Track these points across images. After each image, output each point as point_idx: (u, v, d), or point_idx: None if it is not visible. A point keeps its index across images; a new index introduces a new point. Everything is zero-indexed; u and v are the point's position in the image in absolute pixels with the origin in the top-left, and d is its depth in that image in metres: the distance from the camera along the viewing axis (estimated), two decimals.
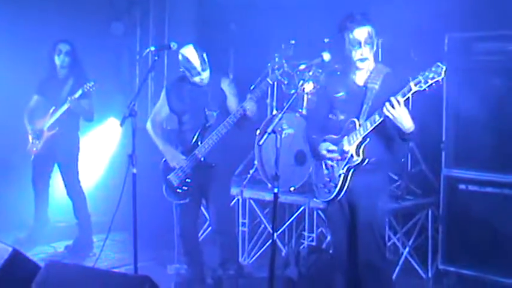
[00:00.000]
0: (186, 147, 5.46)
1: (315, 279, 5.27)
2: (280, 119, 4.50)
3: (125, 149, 7.11)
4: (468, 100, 5.61)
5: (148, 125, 5.65)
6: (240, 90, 5.60)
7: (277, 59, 6.89)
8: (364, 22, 4.35)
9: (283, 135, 6.23)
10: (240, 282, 5.60)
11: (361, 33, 4.33)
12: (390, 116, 4.11)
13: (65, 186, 6.94)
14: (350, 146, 4.35)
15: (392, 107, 4.07)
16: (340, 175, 4.40)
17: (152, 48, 5.13)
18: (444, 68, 3.96)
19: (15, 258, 3.93)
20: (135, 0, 9.02)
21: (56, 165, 6.95)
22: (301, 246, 6.10)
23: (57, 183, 7.12)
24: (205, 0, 8.47)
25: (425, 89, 4.00)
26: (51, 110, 6.71)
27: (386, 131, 4.35)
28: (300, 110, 6.66)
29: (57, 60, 6.75)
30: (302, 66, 5.85)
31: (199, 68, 5.31)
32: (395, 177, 6.32)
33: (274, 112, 7.04)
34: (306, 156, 6.27)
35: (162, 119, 5.69)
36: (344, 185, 4.40)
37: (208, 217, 6.33)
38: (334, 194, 4.44)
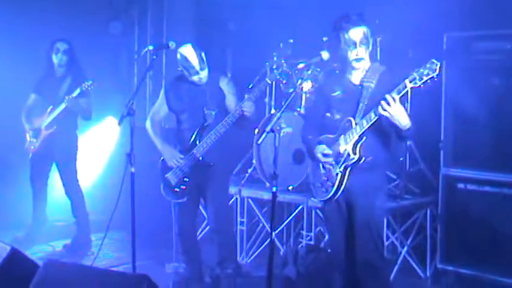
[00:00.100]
0: (185, 146, 5.45)
1: (313, 278, 5.26)
2: (278, 118, 4.49)
3: (123, 148, 7.12)
4: (467, 99, 5.62)
5: (148, 124, 5.65)
6: (238, 89, 5.59)
7: (275, 58, 6.88)
8: (359, 22, 4.37)
9: (281, 134, 6.24)
10: (238, 281, 5.59)
11: (356, 33, 4.35)
12: (386, 114, 4.11)
13: (63, 185, 6.95)
14: (346, 144, 4.36)
15: (388, 104, 4.08)
16: (337, 174, 4.41)
17: (150, 48, 5.14)
18: (439, 64, 3.96)
19: (13, 257, 3.92)
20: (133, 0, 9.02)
21: (54, 164, 6.95)
22: (300, 245, 6.10)
23: (55, 182, 7.12)
24: None
25: (420, 86, 4.01)
26: (48, 109, 6.71)
27: (383, 129, 4.36)
28: (299, 109, 6.66)
29: (55, 59, 6.75)
30: (301, 65, 5.83)
31: (197, 67, 5.30)
32: (394, 176, 6.31)
33: (273, 111, 7.03)
34: (304, 155, 6.26)
35: (160, 118, 5.69)
36: (341, 184, 4.41)
37: (206, 216, 6.33)
38: (332, 193, 4.44)
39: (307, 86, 6.64)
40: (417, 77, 4.00)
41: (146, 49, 5.26)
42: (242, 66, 7.69)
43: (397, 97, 4.07)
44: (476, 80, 5.61)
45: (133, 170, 4.67)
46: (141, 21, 8.99)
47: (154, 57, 5.03)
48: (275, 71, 5.40)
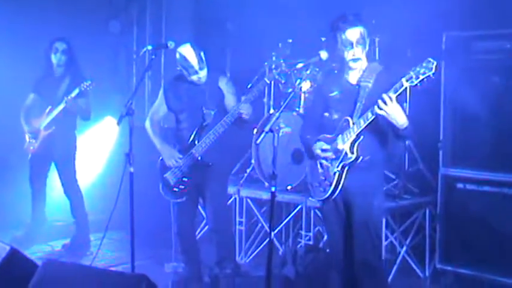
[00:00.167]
0: (183, 146, 5.45)
1: (312, 278, 5.26)
2: (277, 118, 4.49)
3: (122, 147, 7.07)
4: (466, 99, 5.62)
5: (147, 124, 5.65)
6: (237, 89, 5.59)
7: (274, 58, 6.88)
8: (356, 23, 4.38)
9: (280, 134, 6.23)
10: (237, 281, 5.59)
11: (353, 33, 4.36)
12: (383, 113, 4.12)
13: (62, 185, 6.95)
14: (344, 144, 4.36)
15: (385, 103, 4.08)
16: (335, 173, 4.41)
17: (149, 47, 5.15)
18: (435, 63, 3.97)
19: (12, 256, 3.92)
20: None
21: (53, 164, 6.95)
22: (298, 245, 6.11)
23: (54, 182, 7.12)
24: None
25: (416, 85, 4.02)
26: (47, 109, 6.70)
27: (381, 129, 4.37)
28: (297, 109, 6.66)
29: (54, 59, 6.74)
30: (299, 65, 5.83)
31: (196, 67, 5.30)
32: (393, 176, 6.31)
33: (272, 111, 7.03)
34: (303, 155, 6.26)
35: (160, 117, 5.69)
36: (339, 184, 4.41)
37: (205, 216, 6.33)
38: (329, 192, 4.44)
39: (306, 85, 6.63)
40: (414, 76, 4.01)
41: (145, 49, 5.27)
42: (241, 66, 7.68)
43: (393, 96, 4.07)
44: (475, 79, 5.61)
45: (132, 169, 4.67)
46: (140, 20, 8.99)
47: (153, 57, 5.03)
48: (274, 70, 5.41)
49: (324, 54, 4.69)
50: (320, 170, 4.52)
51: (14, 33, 7.54)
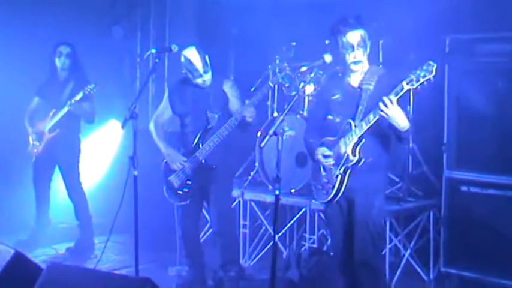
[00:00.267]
0: (188, 149, 5.46)
1: (316, 281, 5.27)
2: (281, 121, 4.51)
3: (126, 150, 7.09)
4: (470, 101, 5.61)
5: (151, 127, 5.65)
6: (241, 93, 5.60)
7: (278, 61, 6.89)
8: (356, 26, 4.40)
9: (284, 137, 6.22)
10: (241, 284, 5.59)
11: (353, 36, 4.39)
12: (384, 115, 4.13)
13: (66, 188, 6.95)
14: (346, 147, 4.37)
15: (386, 106, 4.10)
16: (337, 176, 4.42)
17: (153, 51, 5.15)
18: (435, 66, 3.99)
19: (17, 260, 3.92)
20: (136, 3, 9.01)
21: (57, 167, 6.96)
22: (302, 248, 6.11)
23: (58, 185, 7.13)
24: (206, 3, 8.47)
25: (417, 88, 4.04)
26: (51, 113, 6.72)
27: (383, 131, 4.38)
28: (301, 112, 6.66)
29: (58, 63, 6.76)
30: (303, 68, 5.85)
31: (201, 70, 5.31)
32: (397, 179, 6.31)
33: (275, 114, 7.04)
34: (307, 158, 6.25)
35: (164, 120, 5.69)
36: (341, 186, 4.41)
37: (209, 219, 6.33)
38: (332, 195, 4.45)
39: (309, 89, 6.63)
40: (414, 79, 4.03)
41: (149, 52, 5.28)
42: (244, 69, 7.69)
43: (394, 99, 4.09)
44: (479, 82, 5.60)
45: (136, 173, 4.67)
46: (144, 24, 9.00)
47: (157, 60, 5.03)
48: (278, 74, 5.43)
49: (328, 57, 4.70)
50: (323, 173, 4.53)
51: (18, 37, 7.55)
